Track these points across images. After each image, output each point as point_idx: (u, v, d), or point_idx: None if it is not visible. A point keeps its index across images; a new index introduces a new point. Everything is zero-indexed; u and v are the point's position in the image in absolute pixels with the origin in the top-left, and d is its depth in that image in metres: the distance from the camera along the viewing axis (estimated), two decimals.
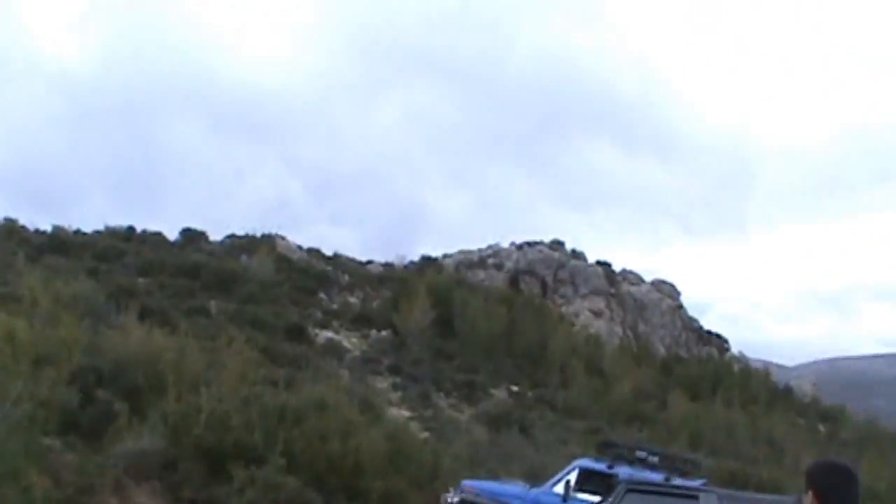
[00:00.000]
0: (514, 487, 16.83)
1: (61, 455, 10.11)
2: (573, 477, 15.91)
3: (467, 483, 16.66)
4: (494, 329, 43.51)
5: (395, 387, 34.19)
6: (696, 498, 10.60)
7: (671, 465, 15.93)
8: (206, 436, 13.97)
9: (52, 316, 15.57)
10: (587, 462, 16.77)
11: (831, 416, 55.75)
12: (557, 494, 15.74)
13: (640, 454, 16.31)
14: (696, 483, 15.16)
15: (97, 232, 48.04)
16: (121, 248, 43.75)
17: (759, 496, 13.23)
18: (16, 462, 8.08)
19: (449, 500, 16.01)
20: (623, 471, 15.65)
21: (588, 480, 16.03)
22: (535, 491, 16.20)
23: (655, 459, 16.09)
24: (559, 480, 16.01)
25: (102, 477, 9.97)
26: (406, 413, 30.36)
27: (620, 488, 10.85)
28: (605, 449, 17.24)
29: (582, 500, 15.66)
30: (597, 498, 15.37)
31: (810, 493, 4.71)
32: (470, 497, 15.98)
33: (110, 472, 10.48)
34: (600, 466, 16.17)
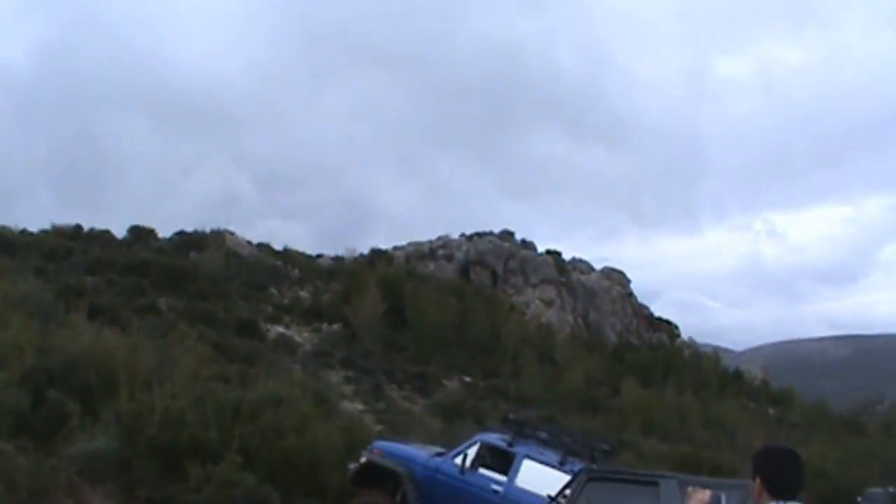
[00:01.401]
0: (420, 452, 16.87)
1: (14, 458, 9.97)
2: (473, 451, 15.99)
3: (377, 444, 16.71)
4: (446, 320, 43.59)
5: (348, 380, 34.17)
6: (656, 484, 10.65)
7: (571, 447, 16.01)
8: (161, 434, 13.84)
9: (1, 317, 15.38)
10: (489, 437, 16.82)
11: (781, 399, 56.49)
12: (457, 465, 15.82)
13: (542, 434, 16.39)
14: (585, 464, 15.25)
15: (44, 231, 47.54)
16: (68, 246, 43.33)
17: (718, 481, 13.31)
18: None
19: (361, 457, 16.07)
20: (521, 448, 15.69)
21: (488, 455, 16.14)
22: (436, 459, 16.25)
23: (557, 439, 16.18)
24: (461, 452, 16.08)
25: (56, 479, 9.85)
26: (360, 406, 30.37)
27: (581, 477, 10.88)
28: (509, 425, 17.28)
29: (479, 474, 15.75)
30: (494, 473, 15.61)
31: (757, 479, 4.78)
32: (376, 458, 16.02)
33: (64, 473, 10.36)
34: (501, 442, 16.25)
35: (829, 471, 27.88)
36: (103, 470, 12.40)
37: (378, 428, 25.29)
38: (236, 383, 20.16)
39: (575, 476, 11.86)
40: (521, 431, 16.36)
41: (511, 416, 19.91)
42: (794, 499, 4.69)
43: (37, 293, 22.50)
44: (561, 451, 15.79)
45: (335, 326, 41.71)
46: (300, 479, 15.87)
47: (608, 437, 29.18)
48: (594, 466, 13.95)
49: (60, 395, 13.85)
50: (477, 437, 16.81)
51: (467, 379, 39.82)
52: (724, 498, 5.24)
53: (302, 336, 39.65)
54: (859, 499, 24.98)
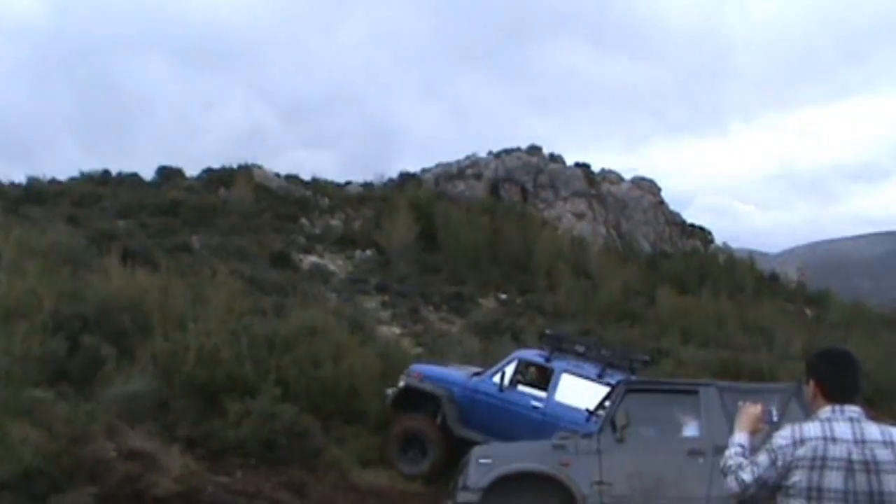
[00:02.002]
0: (458, 373, 16.95)
1: (53, 406, 10.04)
2: (511, 368, 16.03)
3: (415, 367, 16.80)
4: (478, 239, 43.59)
5: (384, 305, 34.32)
6: (696, 393, 10.63)
7: (609, 359, 16.02)
8: (197, 372, 13.91)
9: (20, 267, 15.41)
10: (527, 353, 16.86)
11: (817, 300, 56.20)
12: (496, 383, 15.86)
13: (579, 348, 16.39)
14: (623, 376, 14.99)
15: (72, 179, 47.92)
16: (98, 192, 43.62)
17: (758, 385, 13.28)
18: (5, 417, 8.02)
19: (400, 382, 16.17)
20: (559, 363, 15.81)
21: (526, 372, 16.19)
22: (475, 379, 16.31)
23: (595, 353, 16.19)
24: (499, 370, 16.12)
25: (96, 423, 9.92)
26: (397, 330, 30.47)
27: (619, 389, 10.86)
28: (546, 340, 17.30)
29: (519, 391, 15.79)
30: (533, 390, 15.79)
31: (812, 382, 4.71)
32: (414, 382, 16.09)
33: (103, 417, 10.43)
34: (539, 358, 16.27)
35: (870, 370, 27.77)
36: (142, 411, 12.48)
37: (417, 351, 25.38)
38: (271, 316, 20.23)
39: (613, 389, 11.85)
40: (559, 346, 16.38)
41: (548, 331, 19.94)
42: (849, 401, 4.63)
43: (68, 240, 22.56)
44: (599, 363, 15.82)
45: (368, 252, 41.81)
46: (340, 408, 15.95)
47: (646, 348, 29.24)
48: (633, 378, 13.96)
49: (95, 340, 13.92)
50: (514, 355, 16.87)
51: (503, 296, 39.88)
52: (773, 411, 5.17)
53: (336, 264, 39.79)
54: None
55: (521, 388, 15.89)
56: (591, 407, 14.16)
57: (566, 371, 15.66)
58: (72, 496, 7.67)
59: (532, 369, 16.32)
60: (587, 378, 15.44)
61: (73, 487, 8.43)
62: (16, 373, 8.46)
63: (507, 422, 15.54)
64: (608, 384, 14.89)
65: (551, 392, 15.56)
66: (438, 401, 15.94)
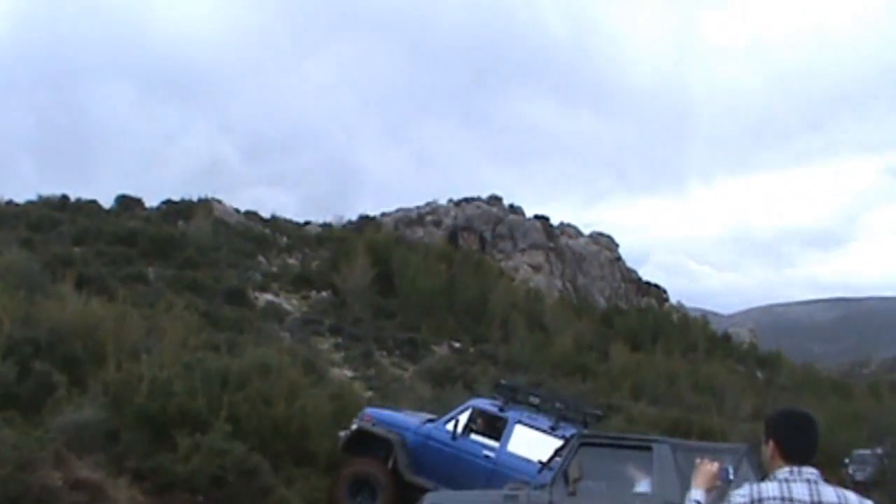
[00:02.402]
0: (411, 419, 16.95)
1: (0, 431, 9.92)
2: (464, 416, 16.06)
3: (368, 411, 16.72)
4: (435, 286, 43.59)
5: (337, 347, 34.23)
6: (649, 449, 10.66)
7: (562, 412, 16.10)
8: (149, 404, 13.78)
9: None
10: (481, 402, 16.91)
11: (769, 362, 56.67)
12: (449, 431, 15.87)
13: (534, 399, 16.45)
14: (576, 429, 15.01)
15: (30, 202, 47.54)
16: (55, 217, 43.27)
17: (711, 445, 13.35)
18: None
19: (352, 425, 16.10)
20: (513, 414, 15.79)
21: (480, 420, 16.23)
22: (428, 426, 16.31)
23: (549, 405, 16.25)
24: (452, 418, 16.15)
25: (43, 451, 9.79)
26: (349, 373, 30.39)
27: (573, 442, 10.87)
28: (500, 391, 17.38)
29: (471, 440, 15.81)
30: (486, 439, 15.73)
31: (770, 441, 4.75)
32: (367, 425, 16.04)
33: (51, 445, 10.30)
34: (492, 408, 16.33)
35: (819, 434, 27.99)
36: (91, 441, 12.34)
37: (368, 395, 25.31)
38: (225, 351, 20.10)
39: (567, 441, 11.86)
40: (513, 397, 16.40)
41: (503, 381, 19.99)
42: (807, 463, 4.67)
43: (23, 264, 22.36)
44: (552, 416, 15.85)
45: (324, 293, 41.71)
46: (290, 447, 15.85)
47: (598, 402, 29.27)
48: (586, 431, 13.99)
49: (47, 366, 13.78)
50: (468, 403, 16.89)
51: (457, 344, 39.86)
52: (730, 469, 5.19)
53: (291, 303, 39.65)
54: (847, 461, 25.09)
55: (473, 436, 15.88)
56: (544, 459, 14.19)
57: (520, 422, 15.65)
58: None
59: (485, 419, 16.32)
60: (540, 430, 15.44)
61: None
62: None
63: (458, 469, 15.47)
64: (561, 437, 14.94)
65: (504, 442, 15.53)
66: (391, 445, 15.87)
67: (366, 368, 31.87)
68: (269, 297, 39.17)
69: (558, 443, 14.67)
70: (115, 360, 14.37)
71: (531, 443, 15.22)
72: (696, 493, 5.07)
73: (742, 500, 4.60)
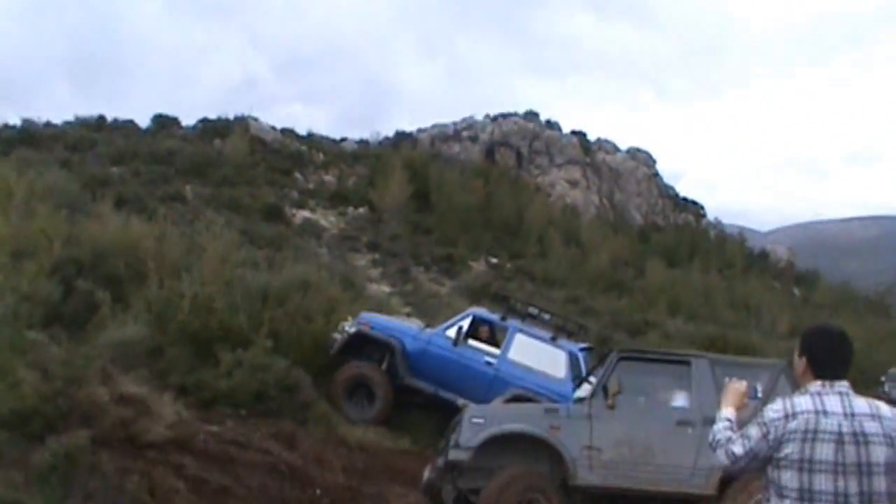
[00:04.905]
0: (409, 326, 17.18)
1: (47, 348, 10.10)
2: (466, 324, 16.27)
3: (365, 316, 16.89)
4: (471, 202, 43.64)
5: (374, 263, 34.40)
6: (688, 364, 10.75)
7: (560, 324, 16.37)
8: (191, 321, 13.95)
9: (28, 208, 15.41)
10: (481, 311, 17.12)
11: (806, 280, 56.40)
12: (449, 338, 16.08)
13: (532, 310, 16.65)
14: (580, 345, 16.01)
15: (67, 123, 47.77)
16: (92, 138, 43.47)
17: (749, 360, 13.43)
18: (2, 357, 8.08)
19: (347, 328, 16.23)
20: (513, 324, 16.10)
21: (479, 329, 16.46)
22: (428, 332, 16.52)
23: (546, 317, 16.46)
24: (452, 325, 16.36)
25: (90, 367, 9.96)
26: (386, 289, 30.57)
27: (613, 357, 10.96)
28: (499, 301, 17.62)
29: (472, 347, 16.04)
30: (485, 345, 16.13)
31: (803, 357, 4.80)
32: (366, 329, 16.22)
33: (97, 362, 10.47)
34: (493, 317, 16.54)
35: (855, 351, 27.95)
36: (135, 358, 12.52)
37: (406, 310, 25.46)
38: (264, 269, 20.28)
39: (605, 356, 11.96)
40: (513, 307, 16.67)
41: (501, 291, 20.26)
42: (839, 378, 4.73)
43: (63, 184, 22.53)
44: (552, 327, 16.17)
45: (361, 210, 41.82)
46: (330, 362, 16.06)
47: (633, 319, 29.40)
48: (625, 347, 14.16)
49: (90, 285, 13.96)
50: (469, 311, 17.18)
51: (494, 260, 39.96)
52: (758, 387, 5.27)
53: (327, 220, 39.80)
54: (883, 379, 25.10)
55: (473, 343, 16.15)
56: (544, 368, 15.23)
57: (521, 331, 16.03)
58: (67, 438, 7.73)
59: (485, 327, 16.57)
60: (541, 340, 15.83)
61: (68, 429, 8.49)
62: (22, 312, 8.51)
63: (459, 375, 15.87)
64: (560, 347, 15.57)
65: (505, 350, 15.92)
66: (386, 350, 16.12)
67: (403, 284, 32.05)
68: (305, 214, 39.33)
69: (558, 352, 15.44)
70: (156, 279, 14.52)
71: (531, 352, 15.67)
72: (727, 411, 5.13)
73: (776, 415, 4.67)
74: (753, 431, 4.72)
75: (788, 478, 4.57)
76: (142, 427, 9.98)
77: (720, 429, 4.98)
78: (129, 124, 48.82)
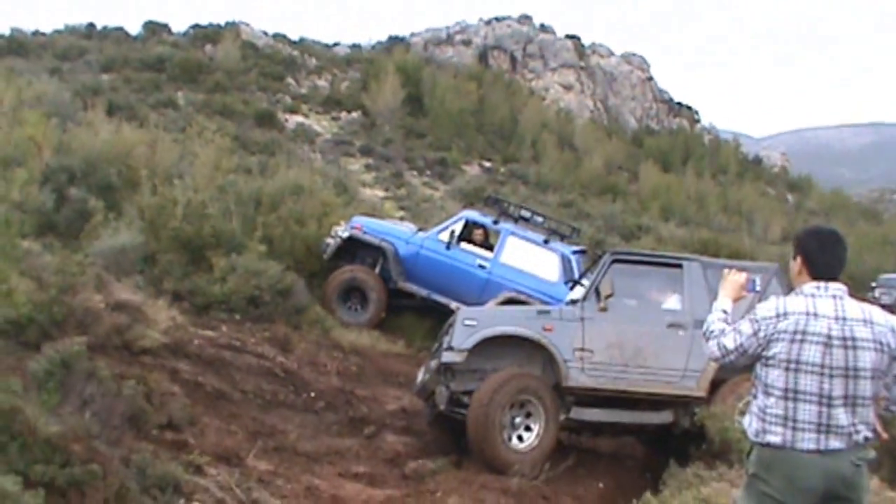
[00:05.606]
0: (402, 228, 17.26)
1: (40, 257, 10.12)
2: (458, 227, 16.33)
3: (357, 219, 16.94)
4: (465, 106, 43.40)
5: (367, 167, 34.34)
6: (680, 266, 10.80)
7: (553, 227, 16.44)
8: (184, 227, 13.96)
9: (17, 116, 15.35)
10: (474, 214, 17.16)
11: (799, 186, 56.36)
12: (442, 241, 16.16)
13: (525, 213, 16.69)
14: (573, 248, 16.21)
15: (57, 31, 47.37)
16: (82, 45, 43.03)
17: (741, 263, 13.48)
18: (3, 264, 8.10)
19: (339, 233, 16.28)
20: (506, 227, 16.22)
21: (472, 232, 16.54)
22: (421, 235, 16.59)
23: (539, 220, 16.52)
24: (445, 228, 16.42)
25: (84, 275, 10.00)
26: (380, 193, 30.57)
27: (605, 259, 11.00)
28: (491, 204, 17.65)
29: (464, 250, 16.16)
30: (478, 249, 16.29)
31: (798, 258, 4.84)
32: (358, 233, 16.27)
33: (91, 269, 10.51)
34: (486, 220, 16.60)
35: (847, 252, 28.07)
36: (129, 264, 12.58)
37: (400, 214, 25.50)
38: (257, 174, 20.29)
39: (598, 258, 12.01)
40: (505, 210, 16.69)
41: (494, 194, 20.30)
42: (833, 279, 4.77)
43: (53, 93, 22.38)
44: (544, 230, 16.25)
45: (354, 115, 41.61)
46: (323, 266, 16.14)
47: (627, 223, 29.48)
48: (619, 248, 14.24)
49: (83, 193, 13.96)
50: (462, 214, 17.23)
51: (487, 164, 39.91)
52: (757, 280, 5.30)
53: (321, 125, 39.64)
54: (873, 284, 25.24)
55: (465, 246, 16.23)
56: (537, 271, 15.43)
57: (513, 234, 16.13)
58: (63, 344, 7.78)
59: (478, 230, 16.63)
60: (533, 242, 15.96)
61: (64, 336, 8.55)
62: (14, 220, 8.51)
63: (452, 278, 16.02)
64: (553, 250, 15.76)
65: (497, 253, 16.04)
66: (382, 253, 16.21)
67: (397, 188, 32.04)
68: (298, 119, 39.15)
69: (551, 255, 15.63)
70: (149, 185, 14.52)
71: (524, 255, 15.85)
72: (724, 302, 5.19)
73: (768, 313, 4.73)
74: (745, 327, 4.78)
75: (775, 376, 4.64)
76: (137, 333, 10.07)
77: (714, 319, 5.05)
78: (120, 31, 48.29)
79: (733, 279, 5.30)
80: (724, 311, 5.09)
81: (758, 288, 5.31)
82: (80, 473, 6.30)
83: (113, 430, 7.37)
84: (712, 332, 4.99)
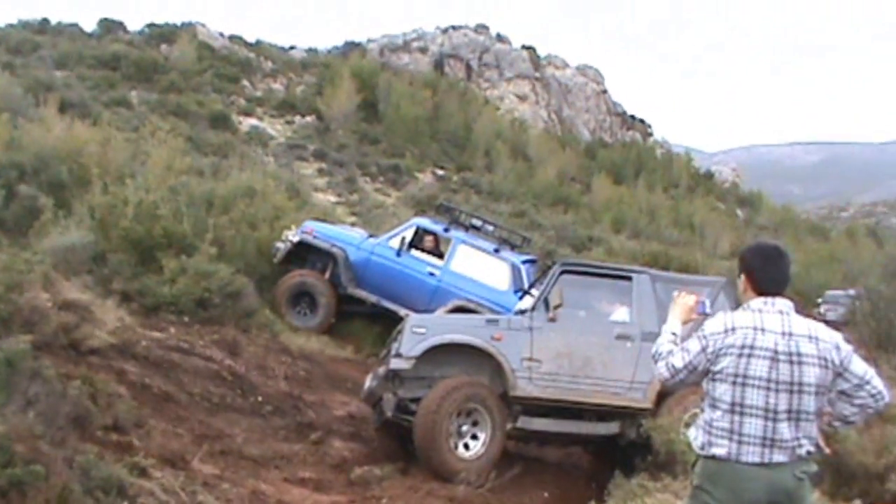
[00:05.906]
0: (353, 234, 17.27)
1: None
2: (409, 234, 16.36)
3: (309, 224, 16.91)
4: (419, 113, 43.45)
5: (320, 172, 34.30)
6: (629, 279, 10.87)
7: (504, 236, 16.52)
8: (134, 227, 13.87)
9: None
10: (425, 222, 17.21)
11: (750, 202, 56.92)
12: (393, 248, 16.19)
13: (476, 222, 16.76)
14: (524, 257, 16.23)
15: (10, 25, 46.81)
16: (35, 41, 42.55)
17: (689, 277, 13.59)
18: None
19: (290, 237, 16.25)
20: (457, 235, 16.26)
21: (423, 239, 16.56)
22: (371, 241, 16.61)
23: (490, 229, 16.59)
24: (396, 235, 16.45)
25: (32, 273, 9.90)
26: (332, 198, 30.53)
27: (555, 269, 11.04)
28: (443, 212, 17.69)
29: (415, 257, 16.18)
30: (428, 256, 16.29)
31: (743, 275, 4.90)
32: (309, 238, 16.25)
33: (39, 267, 10.41)
34: (437, 227, 16.64)
35: (793, 273, 28.38)
36: (78, 263, 12.47)
37: (351, 220, 25.45)
38: (210, 176, 20.18)
39: (548, 269, 12.06)
40: (456, 218, 16.72)
41: (446, 202, 20.35)
42: (779, 294, 4.82)
43: (5, 88, 22.15)
44: (495, 239, 16.31)
45: (308, 119, 41.54)
46: (274, 270, 16.09)
47: (579, 234, 29.60)
48: (569, 259, 14.30)
49: (33, 190, 13.85)
50: (413, 221, 17.26)
51: (440, 172, 39.98)
52: (707, 303, 5.33)
53: (275, 129, 39.54)
54: (820, 300, 25.55)
55: (416, 253, 16.24)
56: (486, 279, 15.46)
57: (464, 242, 16.17)
58: (8, 343, 7.71)
59: (429, 237, 16.65)
60: (484, 251, 16.00)
61: (9, 334, 8.46)
62: None
63: (402, 285, 16.01)
64: (503, 259, 15.79)
65: (448, 261, 16.06)
66: (332, 258, 16.18)
67: (349, 194, 32.02)
68: (253, 121, 39.03)
69: (502, 264, 15.68)
70: (100, 184, 14.41)
71: (474, 263, 15.86)
72: (673, 324, 5.21)
73: (716, 328, 4.77)
74: (693, 345, 4.82)
75: (723, 391, 4.69)
76: (84, 333, 9.98)
77: (664, 342, 5.07)
78: (74, 27, 47.94)
79: (683, 301, 5.33)
80: (674, 334, 5.12)
81: (708, 311, 5.34)
82: (22, 474, 6.23)
83: (57, 431, 7.29)
84: (661, 353, 5.02)
